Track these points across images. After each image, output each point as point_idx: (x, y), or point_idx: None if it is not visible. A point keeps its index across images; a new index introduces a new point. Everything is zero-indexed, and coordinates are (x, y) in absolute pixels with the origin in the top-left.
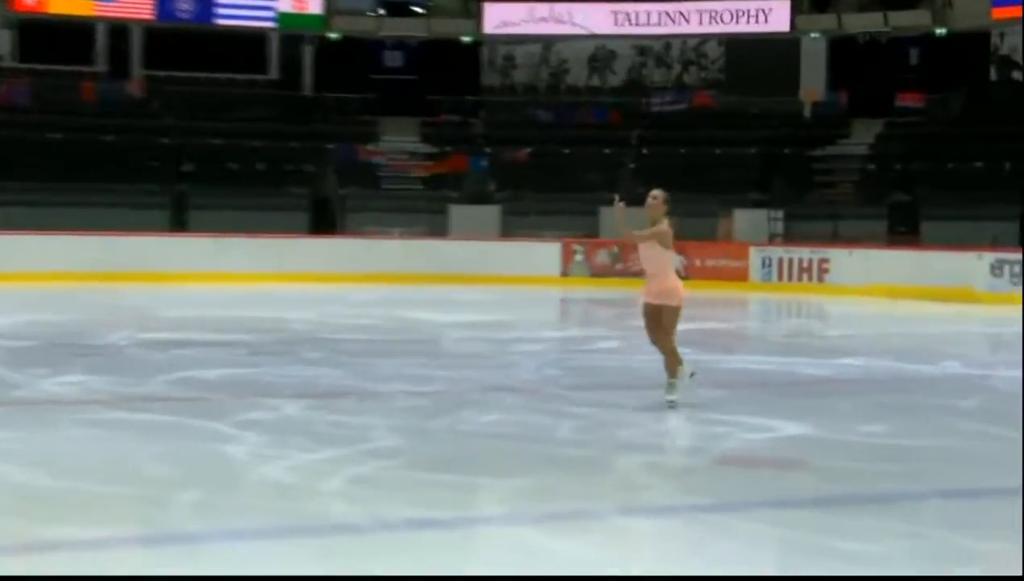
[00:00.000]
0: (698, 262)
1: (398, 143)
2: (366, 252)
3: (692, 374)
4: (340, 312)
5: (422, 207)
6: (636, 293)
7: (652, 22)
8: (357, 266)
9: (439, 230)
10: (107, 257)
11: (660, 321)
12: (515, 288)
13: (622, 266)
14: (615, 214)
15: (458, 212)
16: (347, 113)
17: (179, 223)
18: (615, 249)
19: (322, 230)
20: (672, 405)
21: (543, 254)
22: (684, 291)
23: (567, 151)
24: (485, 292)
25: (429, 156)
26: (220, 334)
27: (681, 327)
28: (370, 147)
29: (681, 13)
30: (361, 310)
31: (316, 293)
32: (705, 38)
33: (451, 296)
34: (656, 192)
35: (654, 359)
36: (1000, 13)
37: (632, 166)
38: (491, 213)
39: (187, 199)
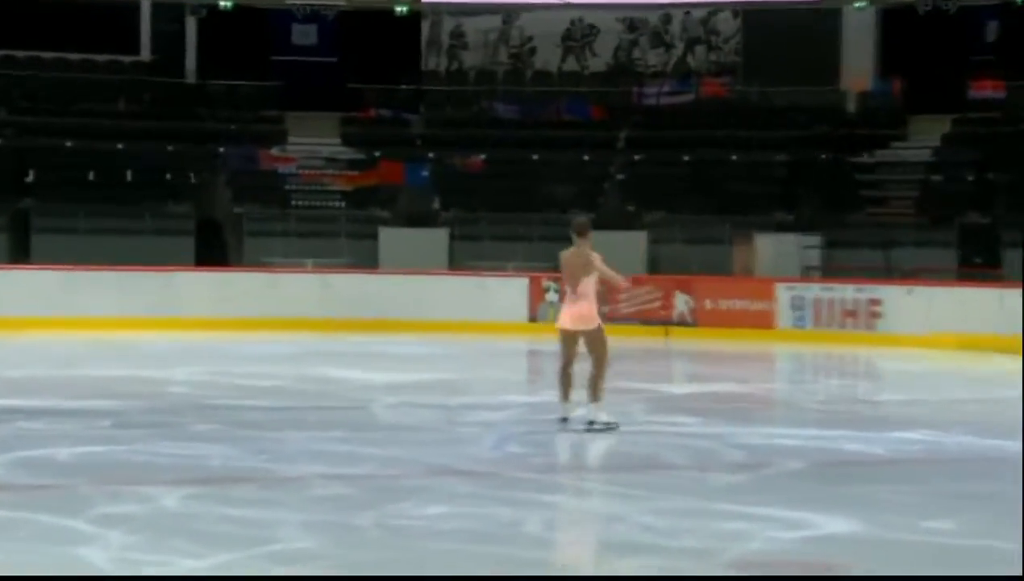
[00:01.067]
0: (707, 303)
1: (312, 146)
2: (269, 290)
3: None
4: (235, 370)
5: (344, 231)
6: (625, 343)
7: None
8: (257, 309)
9: (366, 261)
10: None
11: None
12: (467, 338)
13: (608, 309)
14: (619, 283)
15: (391, 237)
16: (244, 106)
17: (20, 252)
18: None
19: (211, 261)
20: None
21: (504, 293)
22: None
23: (534, 157)
24: (427, 344)
25: (353, 163)
26: (75, 400)
27: (686, 390)
28: (274, 151)
29: None
30: (263, 367)
31: (203, 345)
32: (716, 8)
33: (382, 349)
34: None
35: (647, 433)
36: None
37: (619, 177)
38: (435, 239)
39: (30, 220)
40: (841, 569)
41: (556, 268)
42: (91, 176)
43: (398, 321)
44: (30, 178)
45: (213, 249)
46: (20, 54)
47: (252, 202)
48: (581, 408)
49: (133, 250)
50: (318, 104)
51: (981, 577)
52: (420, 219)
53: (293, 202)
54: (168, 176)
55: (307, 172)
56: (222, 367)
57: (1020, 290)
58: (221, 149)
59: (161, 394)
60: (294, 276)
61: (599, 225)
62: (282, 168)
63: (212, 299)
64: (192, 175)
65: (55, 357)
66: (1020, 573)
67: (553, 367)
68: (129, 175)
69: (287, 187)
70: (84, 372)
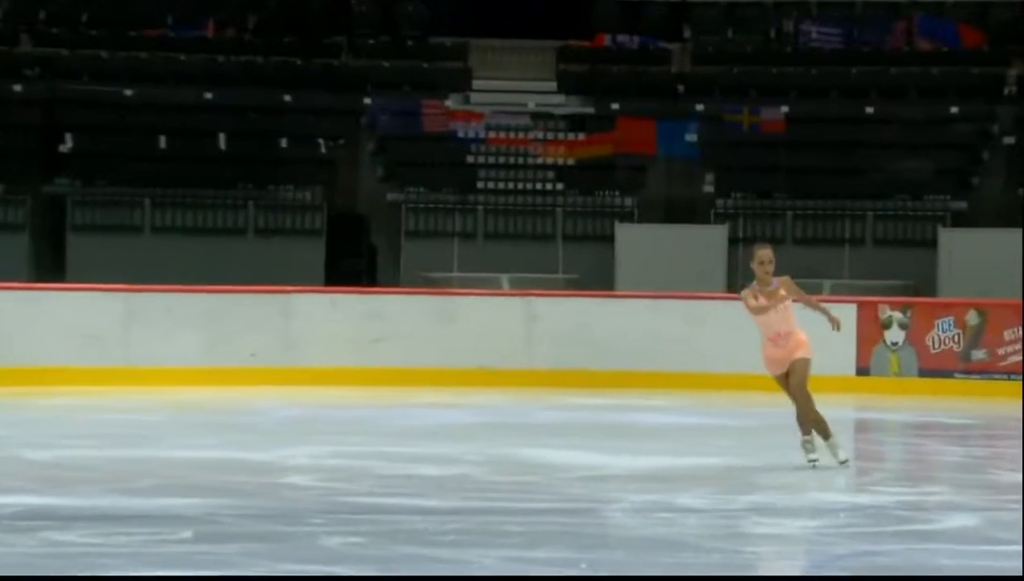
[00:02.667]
0: None
1: (509, 95)
2: (440, 324)
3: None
4: (385, 450)
5: (561, 229)
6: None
7: None
8: (420, 353)
9: (595, 278)
10: None
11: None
12: (756, 401)
13: None
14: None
15: (636, 239)
16: (402, 33)
17: (49, 264)
18: None
19: (348, 278)
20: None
21: (817, 327)
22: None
23: (868, 110)
24: (692, 408)
25: (575, 122)
26: (137, 497)
27: None
28: (450, 104)
29: None
30: (429, 445)
31: (336, 410)
32: None
33: (620, 417)
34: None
35: None
36: None
37: (1006, 141)
38: (706, 241)
39: (65, 213)
40: None
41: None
42: (162, 143)
43: (645, 373)
44: (66, 146)
45: (352, 259)
46: None
47: (414, 184)
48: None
49: (226, 262)
50: (519, 28)
51: (981, 577)
52: (682, 210)
53: (480, 184)
54: (283, 143)
55: (501, 136)
56: (365, 445)
57: None
58: (366, 100)
59: (271, 488)
60: (480, 301)
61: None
62: (462, 130)
63: (350, 338)
64: (321, 143)
65: (105, 429)
66: (1020, 573)
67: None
68: (222, 141)
69: (470, 160)
70: (150, 452)
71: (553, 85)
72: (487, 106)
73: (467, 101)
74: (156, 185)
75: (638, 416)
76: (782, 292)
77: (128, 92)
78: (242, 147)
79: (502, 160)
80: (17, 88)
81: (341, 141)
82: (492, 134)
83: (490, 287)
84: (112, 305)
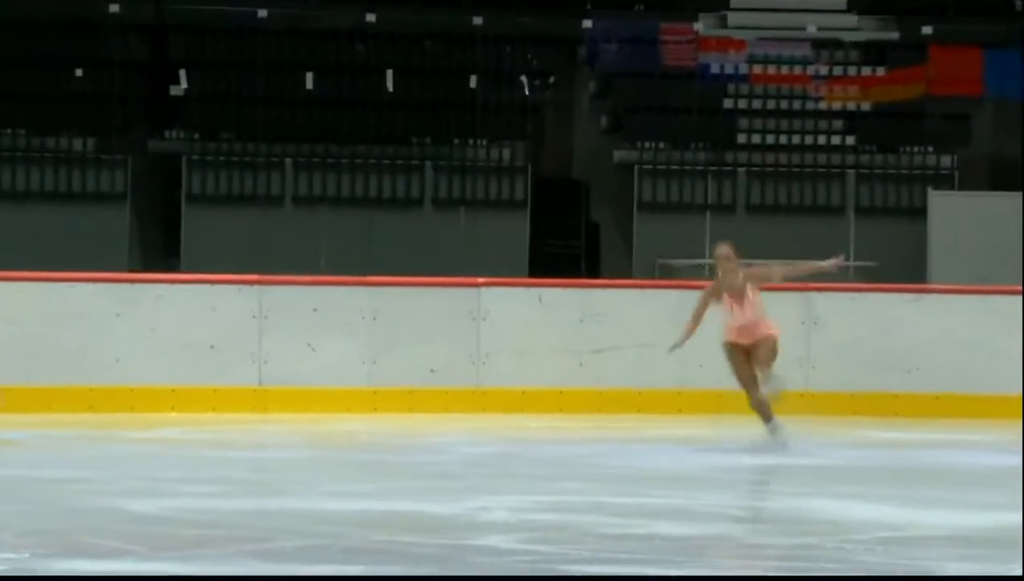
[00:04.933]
0: None
1: (782, 15)
2: (676, 327)
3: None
4: (616, 501)
5: (853, 199)
6: None
7: None
8: (650, 371)
9: (898, 269)
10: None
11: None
12: None
13: None
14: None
15: (955, 214)
16: None
17: (159, 247)
18: None
19: (558, 265)
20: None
21: None
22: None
23: None
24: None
25: (871, 51)
26: (284, 562)
27: None
28: (699, 28)
29: None
30: (663, 493)
31: (545, 445)
32: None
33: (939, 457)
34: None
35: None
36: None
37: None
38: None
39: (181, 176)
40: None
41: None
42: (308, 83)
43: (967, 397)
44: (179, 88)
45: (566, 241)
46: None
47: (650, 139)
48: None
49: (394, 244)
50: None
51: (981, 577)
52: (1018, 174)
53: (740, 138)
54: (471, 82)
55: (771, 72)
56: (584, 493)
57: None
58: (584, 24)
59: (459, 552)
60: None
61: None
62: (717, 64)
63: (561, 348)
64: (524, 83)
65: (230, 471)
66: (1020, 573)
67: None
68: (389, 81)
69: (727, 105)
70: (291, 503)
71: (842, 1)
72: (750, 31)
73: (723, 24)
74: (300, 140)
75: (957, 456)
76: (748, 287)
77: (262, 13)
78: (416, 89)
79: (771, 105)
80: (114, 8)
81: (551, 80)
82: (757, 70)
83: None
84: (239, 303)
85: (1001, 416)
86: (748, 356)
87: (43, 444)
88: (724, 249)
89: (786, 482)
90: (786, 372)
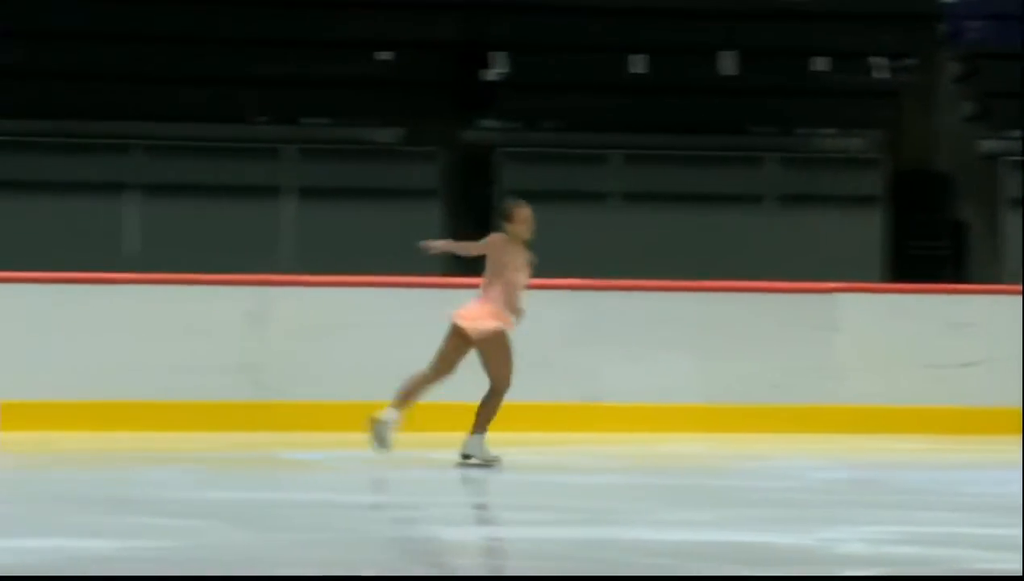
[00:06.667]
0: None
1: None
2: None
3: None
4: (970, 530)
5: None
6: None
7: None
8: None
9: None
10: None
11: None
12: None
13: None
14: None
15: None
16: None
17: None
18: None
19: (912, 271)
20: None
21: None
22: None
23: None
24: None
25: None
26: None
27: None
28: None
29: None
30: None
31: (896, 466)
32: None
33: None
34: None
35: None
36: None
37: None
38: None
39: (494, 167)
40: None
41: None
42: (637, 66)
43: None
44: (493, 72)
45: (929, 241)
46: None
47: (1017, 124)
48: None
49: (730, 245)
50: None
51: (981, 577)
52: None
53: None
54: (818, 64)
55: None
56: (949, 524)
57: None
58: None
59: None
60: None
61: None
62: None
63: (924, 362)
64: (883, 63)
65: (555, 498)
66: (1020, 573)
67: None
68: (729, 63)
69: None
70: (624, 533)
71: None
72: None
73: None
74: (629, 130)
75: None
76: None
77: None
78: (759, 72)
79: None
80: None
81: (909, 61)
82: None
83: None
84: (561, 310)
85: None
86: None
87: (344, 466)
88: (528, 210)
89: None
90: None
